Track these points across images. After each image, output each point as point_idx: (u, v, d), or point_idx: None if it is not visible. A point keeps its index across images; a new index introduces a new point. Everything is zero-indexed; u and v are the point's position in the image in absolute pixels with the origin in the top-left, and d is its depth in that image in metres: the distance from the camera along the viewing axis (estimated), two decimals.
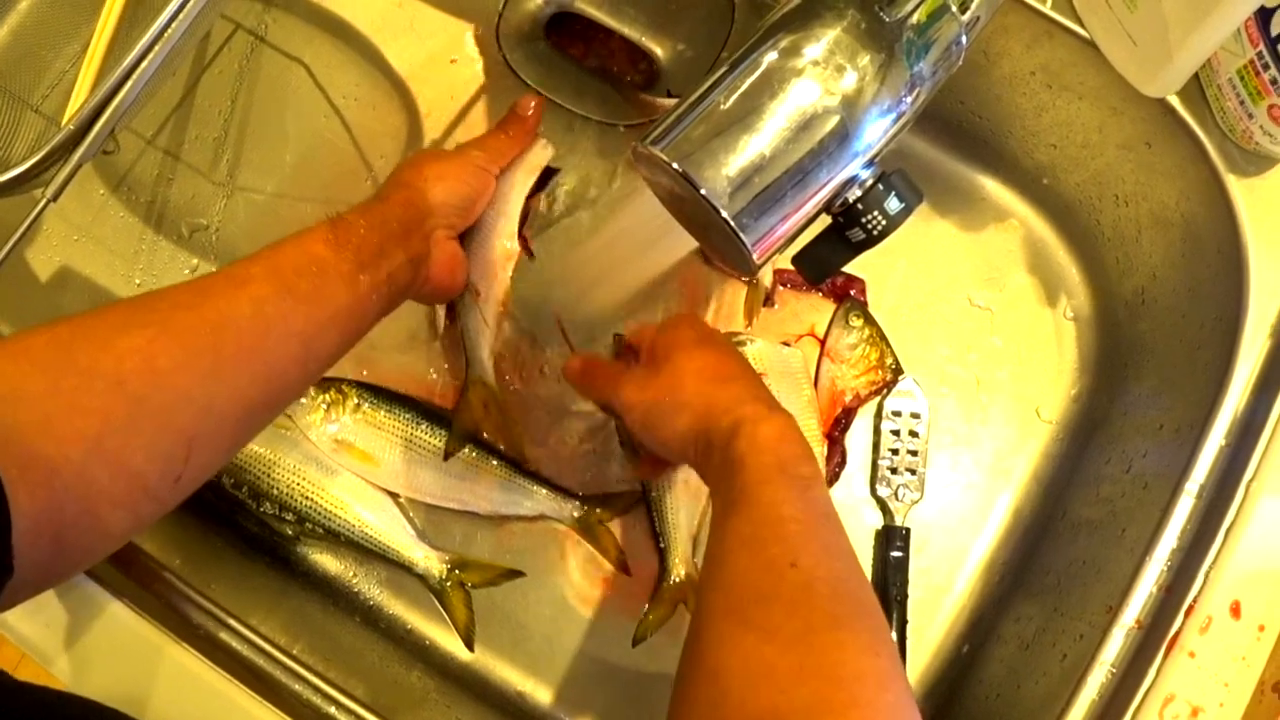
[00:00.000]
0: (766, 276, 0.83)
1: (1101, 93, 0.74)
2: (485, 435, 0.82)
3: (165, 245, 0.87)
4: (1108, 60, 0.70)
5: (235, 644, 0.68)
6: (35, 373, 0.49)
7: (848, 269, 0.85)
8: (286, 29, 0.90)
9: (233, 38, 0.89)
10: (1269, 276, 0.69)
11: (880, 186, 0.46)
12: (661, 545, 0.80)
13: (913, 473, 0.81)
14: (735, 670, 0.48)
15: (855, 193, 0.46)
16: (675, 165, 0.44)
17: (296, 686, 0.68)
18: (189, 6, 0.69)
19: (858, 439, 0.83)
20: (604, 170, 0.86)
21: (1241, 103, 0.68)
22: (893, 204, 0.46)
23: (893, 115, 0.45)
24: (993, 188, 0.87)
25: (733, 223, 0.44)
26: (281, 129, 0.88)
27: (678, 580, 0.79)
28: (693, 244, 0.52)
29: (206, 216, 0.87)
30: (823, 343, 0.83)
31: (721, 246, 0.48)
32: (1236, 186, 0.70)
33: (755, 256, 0.45)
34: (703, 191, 0.44)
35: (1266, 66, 0.64)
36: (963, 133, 0.85)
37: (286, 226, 0.85)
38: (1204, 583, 0.64)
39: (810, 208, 0.45)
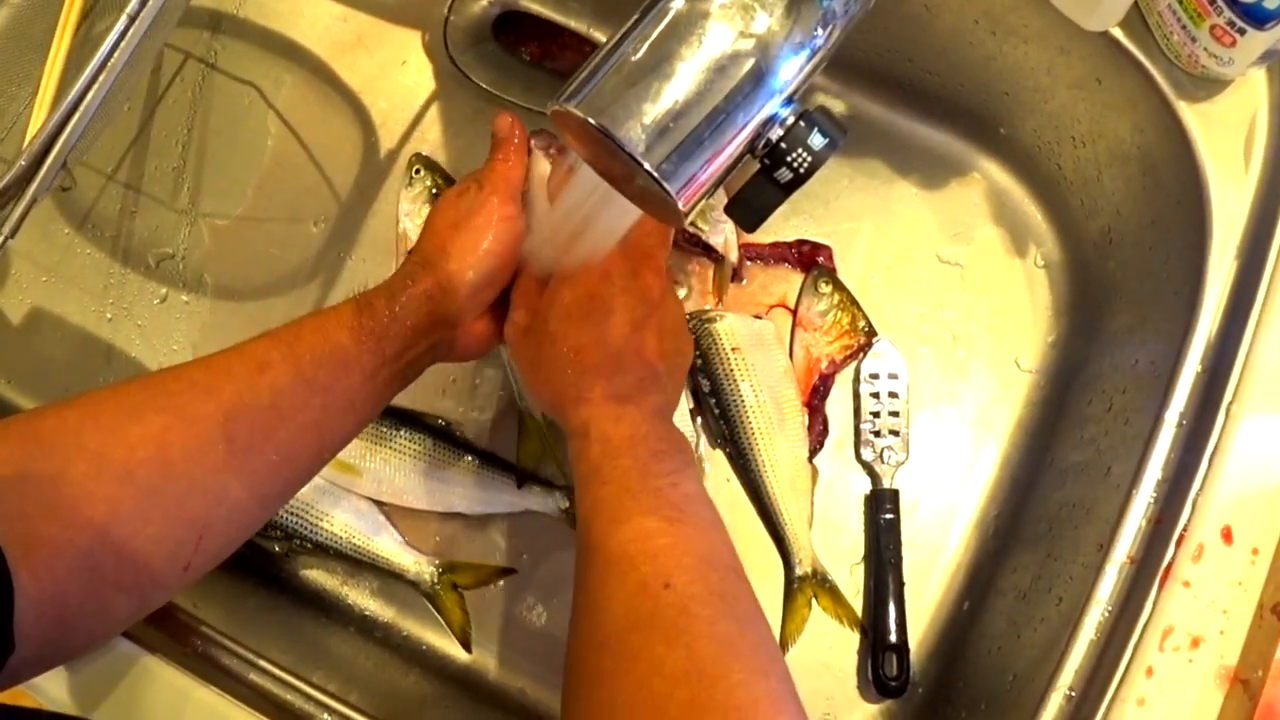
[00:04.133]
0: (732, 252, 0.83)
1: (1046, 34, 0.73)
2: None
3: (133, 277, 0.87)
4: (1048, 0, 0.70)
5: (240, 667, 0.67)
6: (43, 456, 0.49)
7: (812, 237, 0.84)
8: (236, 54, 0.90)
9: (184, 67, 0.90)
10: (1229, 199, 0.68)
11: (802, 124, 0.46)
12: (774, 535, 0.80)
13: (896, 434, 0.80)
14: (625, 707, 0.47)
15: (777, 132, 0.46)
16: (591, 120, 0.44)
17: (296, 700, 0.67)
18: (129, 36, 0.69)
19: (838, 406, 0.82)
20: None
21: (1183, 27, 0.67)
22: (816, 140, 0.46)
23: (807, 52, 0.45)
24: (950, 143, 0.86)
25: (655, 172, 0.44)
26: (239, 153, 0.89)
27: (803, 574, 0.79)
28: (636, 211, 0.52)
29: (172, 245, 0.88)
30: (794, 312, 0.83)
31: (650, 199, 0.48)
32: (1188, 112, 0.69)
33: (680, 205, 0.45)
34: (621, 144, 0.43)
35: None
36: (914, 91, 0.85)
37: (250, 248, 0.87)
38: (1192, 511, 0.63)
39: (732, 150, 0.45)
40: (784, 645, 0.77)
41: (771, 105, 0.46)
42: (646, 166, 0.44)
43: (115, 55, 0.69)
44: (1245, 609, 0.61)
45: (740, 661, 0.48)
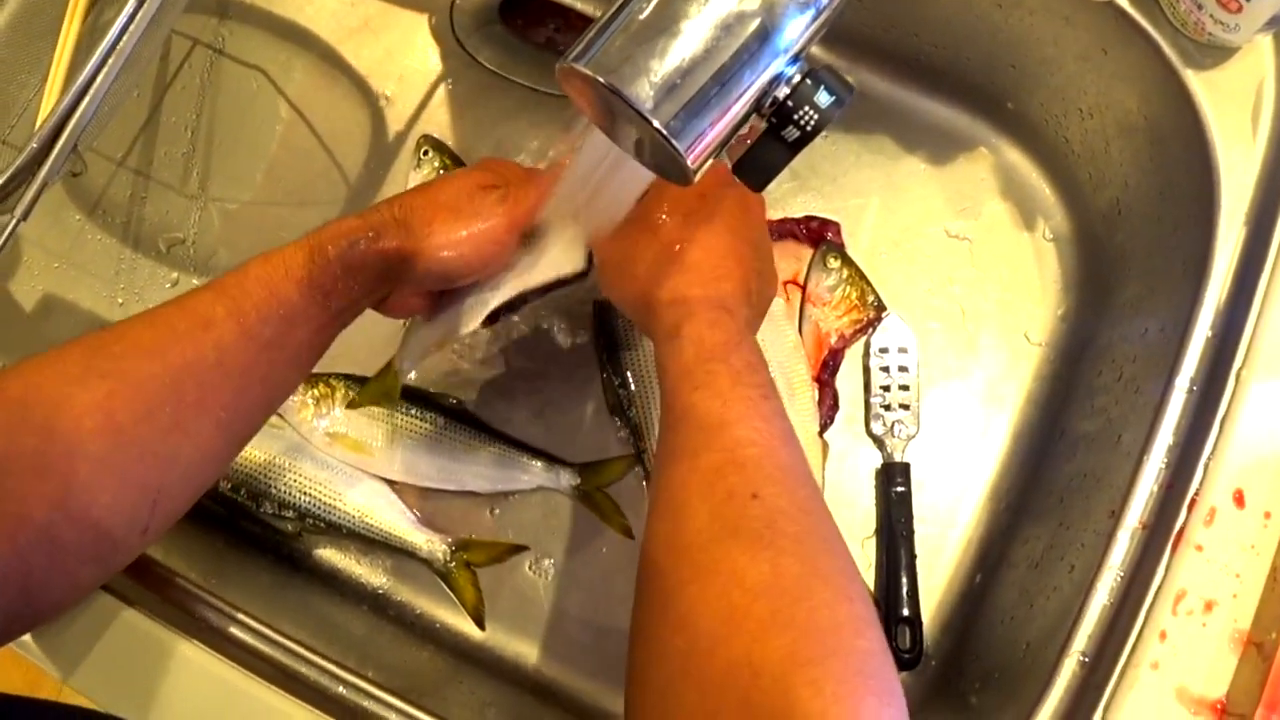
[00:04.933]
0: None
1: (1052, 5, 0.74)
2: None
3: (144, 263, 0.88)
4: None
5: (257, 643, 0.67)
6: None
7: (821, 213, 0.84)
8: (243, 39, 0.91)
9: (191, 53, 0.90)
10: (1237, 165, 0.68)
11: (808, 81, 0.46)
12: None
13: (906, 408, 0.81)
14: (704, 617, 0.45)
15: (783, 90, 0.46)
16: (600, 78, 0.44)
17: (313, 675, 0.67)
18: (138, 19, 0.70)
19: (848, 380, 0.82)
20: (566, 143, 0.87)
21: None
22: (823, 98, 0.46)
23: (812, 11, 0.45)
24: (957, 118, 0.86)
25: (663, 130, 0.44)
26: (248, 137, 0.89)
27: None
28: (648, 175, 0.52)
29: (182, 230, 0.88)
30: (803, 288, 0.83)
31: (660, 159, 0.48)
32: (1195, 81, 0.69)
33: (689, 162, 0.45)
34: (630, 101, 0.44)
35: None
36: (921, 67, 0.85)
37: (262, 232, 0.87)
38: (1204, 475, 0.63)
39: (739, 108, 0.45)
40: None
41: (778, 64, 0.46)
42: (655, 124, 0.44)
43: (124, 39, 0.69)
44: (1258, 572, 0.61)
45: (823, 581, 0.46)
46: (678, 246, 0.60)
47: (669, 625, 0.47)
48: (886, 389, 0.81)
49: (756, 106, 0.46)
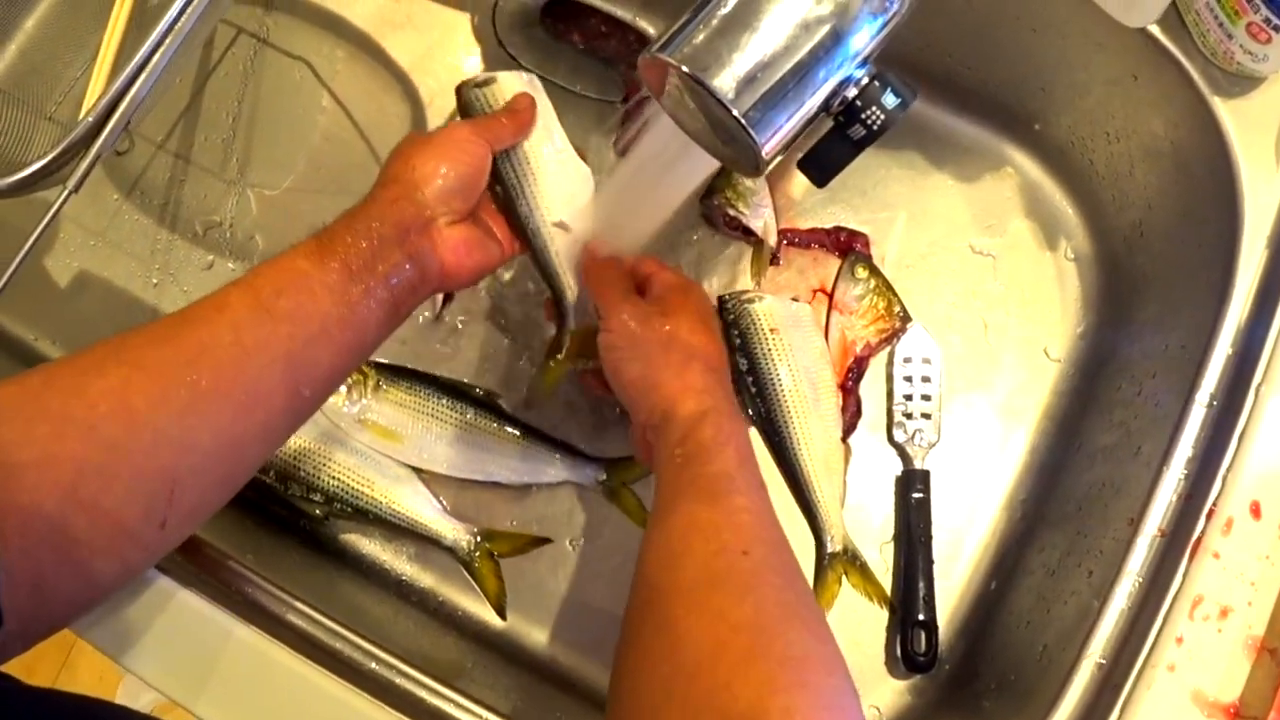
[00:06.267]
0: (771, 236, 0.85)
1: (1084, 29, 0.76)
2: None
3: (180, 244, 0.89)
4: None
5: (291, 616, 0.67)
6: (4, 423, 0.48)
7: (850, 224, 0.87)
8: (288, 30, 0.92)
9: (235, 42, 0.92)
10: (1261, 191, 0.70)
11: (876, 84, 0.48)
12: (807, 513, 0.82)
13: (928, 417, 0.82)
14: (690, 647, 0.50)
15: (852, 91, 0.48)
16: (685, 68, 0.46)
17: (343, 648, 0.67)
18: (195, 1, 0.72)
19: (873, 388, 0.84)
20: (605, 146, 0.88)
21: (1220, 24, 0.70)
22: (889, 99, 0.48)
23: (883, 18, 0.48)
24: (985, 138, 0.89)
25: (743, 119, 0.46)
26: (289, 126, 0.91)
27: (835, 551, 0.80)
28: (711, 164, 0.54)
29: (219, 214, 0.89)
30: (831, 296, 0.85)
31: (730, 150, 0.50)
32: (1223, 108, 0.72)
33: (765, 153, 0.47)
34: (713, 90, 0.46)
35: None
36: (952, 86, 0.87)
37: (298, 218, 0.89)
38: (1222, 486, 0.65)
39: (811, 105, 0.47)
40: None
41: (849, 66, 0.48)
42: (736, 113, 0.46)
43: (183, 18, 0.71)
44: (1273, 580, 0.63)
45: (800, 624, 0.52)
46: (668, 330, 0.67)
47: (658, 653, 0.52)
48: (909, 398, 0.83)
49: (826, 105, 0.48)
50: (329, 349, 0.59)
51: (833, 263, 0.86)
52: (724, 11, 0.46)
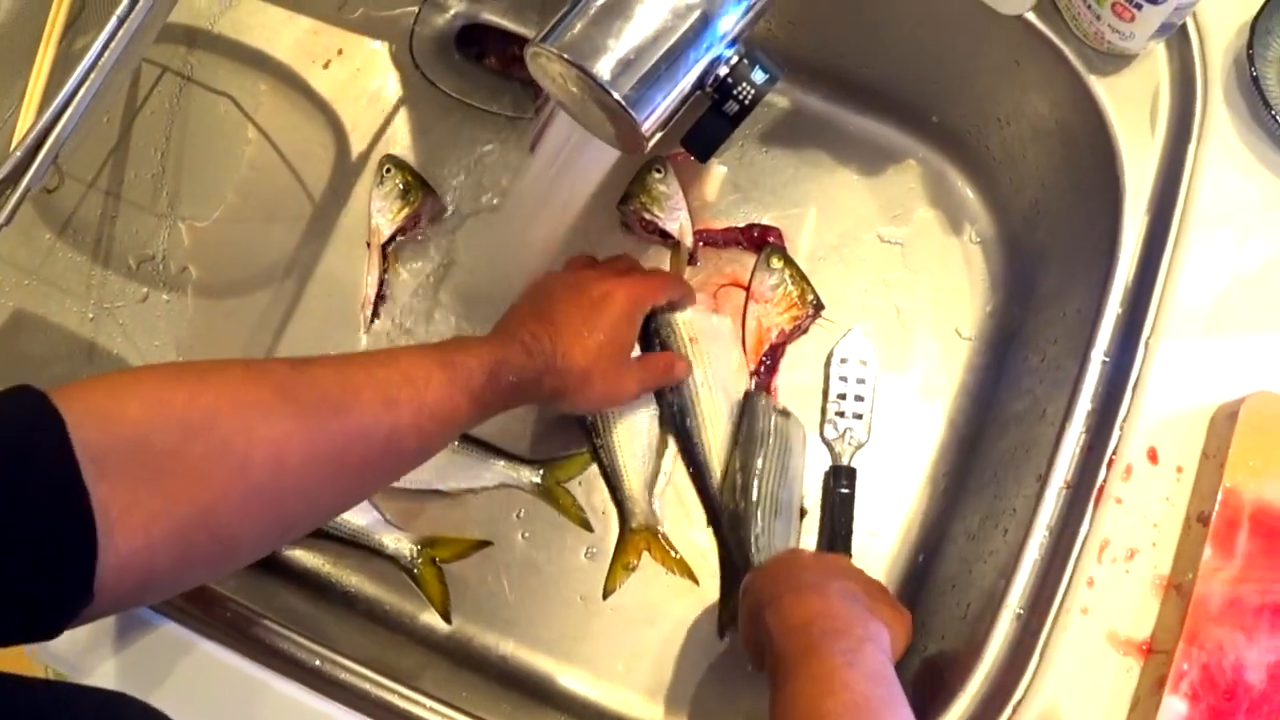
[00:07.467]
0: (688, 237, 0.88)
1: (967, 22, 0.80)
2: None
3: (114, 279, 0.91)
4: None
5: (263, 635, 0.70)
6: (167, 427, 0.50)
7: (763, 220, 0.90)
8: (211, 67, 0.95)
9: (161, 80, 0.94)
10: (1138, 160, 0.74)
11: (745, 61, 0.52)
12: (617, 497, 0.83)
13: (859, 417, 0.86)
14: None
15: (724, 70, 0.51)
16: (565, 56, 0.49)
17: (287, 648, 0.69)
18: (118, 37, 0.74)
19: (809, 386, 0.88)
20: (523, 161, 0.92)
21: (1089, 6, 0.75)
22: (758, 75, 0.52)
23: (748, 1, 0.51)
24: (887, 132, 0.93)
25: (621, 100, 0.49)
26: (216, 159, 0.93)
27: (636, 527, 0.83)
28: (611, 153, 0.57)
29: (152, 247, 0.91)
30: (747, 287, 0.88)
31: (615, 131, 0.53)
32: (1099, 86, 0.76)
33: (644, 129, 0.50)
34: (593, 76, 0.49)
35: None
36: (851, 85, 0.92)
37: (230, 247, 0.91)
38: (1120, 436, 0.68)
39: (686, 83, 0.51)
40: None
41: (718, 46, 0.51)
42: (615, 95, 0.49)
43: (104, 56, 0.74)
44: (1174, 521, 0.66)
45: None
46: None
47: None
48: (843, 397, 0.86)
49: (700, 83, 0.52)
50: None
51: (748, 259, 0.89)
52: (600, 2, 0.50)
